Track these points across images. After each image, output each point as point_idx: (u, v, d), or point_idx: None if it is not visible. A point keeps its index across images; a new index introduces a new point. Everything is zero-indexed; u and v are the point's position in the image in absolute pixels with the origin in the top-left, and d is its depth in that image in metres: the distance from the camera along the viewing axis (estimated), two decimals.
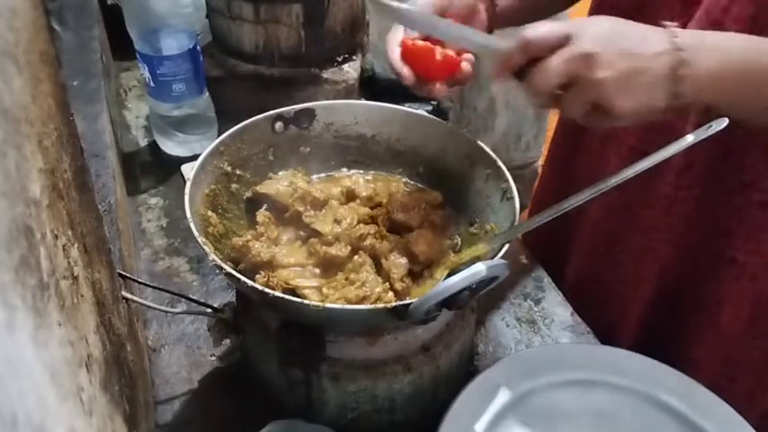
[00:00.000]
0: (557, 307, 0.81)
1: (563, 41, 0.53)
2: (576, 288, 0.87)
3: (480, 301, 0.69)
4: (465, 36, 0.60)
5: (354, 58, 1.11)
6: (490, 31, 0.71)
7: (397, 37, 0.65)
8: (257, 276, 0.60)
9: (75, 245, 0.40)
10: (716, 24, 0.64)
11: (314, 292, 0.60)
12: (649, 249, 0.79)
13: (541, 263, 0.87)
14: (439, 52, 0.63)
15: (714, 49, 0.54)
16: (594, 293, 0.86)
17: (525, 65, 0.55)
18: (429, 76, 0.64)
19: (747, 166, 0.69)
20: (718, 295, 0.76)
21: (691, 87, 0.53)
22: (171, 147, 1.01)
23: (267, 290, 0.53)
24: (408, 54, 0.64)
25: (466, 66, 0.64)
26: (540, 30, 0.54)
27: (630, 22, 0.55)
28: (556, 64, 0.52)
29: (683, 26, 0.67)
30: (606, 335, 0.77)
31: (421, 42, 0.63)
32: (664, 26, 0.54)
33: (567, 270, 0.91)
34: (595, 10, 0.78)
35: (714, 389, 0.62)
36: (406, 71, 0.64)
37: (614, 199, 0.80)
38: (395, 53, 0.64)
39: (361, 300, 0.58)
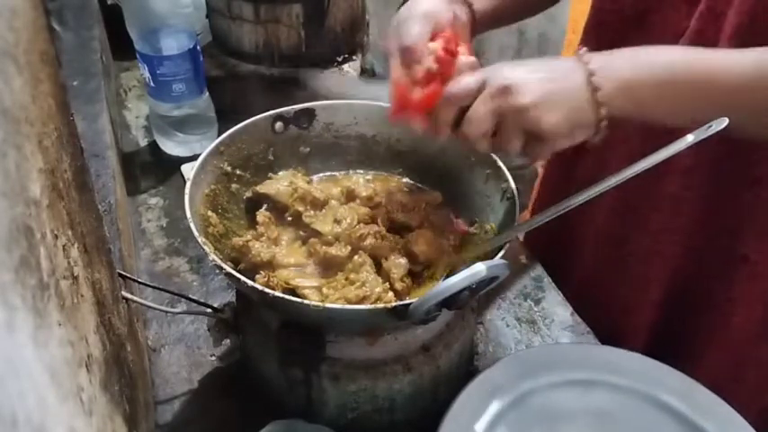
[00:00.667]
0: (557, 307, 0.81)
1: (482, 86, 0.55)
2: (580, 292, 0.86)
3: (480, 301, 0.69)
4: None
5: (354, 58, 1.11)
6: (473, 35, 0.71)
7: (393, 77, 0.64)
8: (257, 276, 0.60)
9: (75, 245, 0.40)
10: (719, 17, 0.64)
11: (314, 292, 0.60)
12: (657, 252, 0.79)
13: (543, 267, 0.86)
14: (417, 91, 0.61)
15: (625, 59, 0.56)
16: (600, 297, 0.86)
17: (457, 119, 0.57)
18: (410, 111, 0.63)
19: (755, 162, 0.69)
20: (730, 295, 0.75)
21: (608, 95, 0.54)
22: (171, 147, 1.01)
23: (267, 290, 0.53)
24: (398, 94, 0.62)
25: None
26: (458, 82, 0.56)
27: (540, 59, 0.59)
28: (479, 109, 0.55)
29: (688, 23, 0.67)
30: (613, 338, 0.76)
31: (401, 84, 0.62)
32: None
33: (571, 274, 0.90)
34: (596, 15, 0.78)
35: (722, 390, 0.62)
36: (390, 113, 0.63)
37: (619, 201, 0.80)
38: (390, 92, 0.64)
39: (361, 300, 0.58)
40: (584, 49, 0.56)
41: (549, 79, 0.54)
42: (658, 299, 0.81)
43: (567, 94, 0.54)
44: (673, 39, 0.69)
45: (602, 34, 0.77)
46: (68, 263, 0.36)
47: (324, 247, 0.63)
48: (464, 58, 0.61)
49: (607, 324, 0.80)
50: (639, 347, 0.82)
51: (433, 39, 0.63)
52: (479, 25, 0.72)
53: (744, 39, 0.62)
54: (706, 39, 0.65)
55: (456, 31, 0.67)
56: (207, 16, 1.10)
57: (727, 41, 0.63)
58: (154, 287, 0.69)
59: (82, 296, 0.39)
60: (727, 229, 0.73)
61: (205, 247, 0.57)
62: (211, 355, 0.72)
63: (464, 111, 0.56)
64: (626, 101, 0.55)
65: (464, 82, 0.56)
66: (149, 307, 0.65)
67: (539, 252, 0.89)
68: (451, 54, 0.61)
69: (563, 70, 0.55)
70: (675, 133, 0.55)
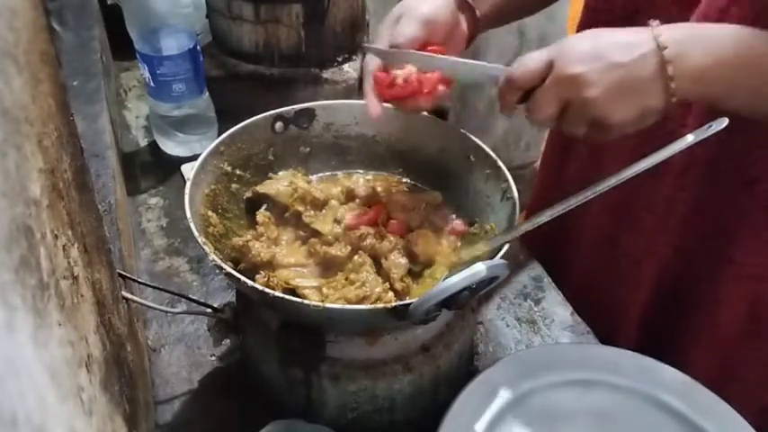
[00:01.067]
0: (557, 307, 0.81)
1: (547, 69, 0.54)
2: (576, 291, 0.87)
3: (480, 301, 0.69)
4: (460, 67, 0.62)
5: (354, 58, 1.11)
6: (471, 38, 0.71)
7: (371, 67, 0.65)
8: (257, 276, 0.60)
9: (75, 245, 0.40)
10: (722, 13, 0.64)
11: (314, 292, 0.60)
12: (649, 253, 0.79)
13: (540, 266, 0.87)
14: (400, 75, 0.62)
15: (699, 41, 0.53)
16: (595, 296, 0.86)
17: (523, 96, 0.57)
18: (401, 99, 0.64)
19: (750, 163, 0.69)
20: (716, 296, 0.76)
21: (682, 83, 0.53)
22: (171, 147, 1.01)
23: (267, 290, 0.53)
24: (378, 84, 0.64)
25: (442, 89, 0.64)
26: (523, 65, 0.55)
27: (610, 30, 0.56)
28: (545, 94, 0.54)
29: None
30: (607, 337, 0.77)
31: (382, 74, 0.63)
32: (647, 26, 0.55)
33: (568, 274, 0.90)
34: (588, 15, 0.78)
35: (712, 390, 0.62)
36: (371, 105, 0.64)
37: (614, 202, 0.80)
38: (368, 83, 0.65)
39: (361, 300, 0.58)
40: (657, 22, 0.54)
41: (619, 66, 0.52)
42: (648, 298, 0.82)
43: (639, 85, 0.52)
44: None
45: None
46: (68, 263, 0.36)
47: (324, 247, 0.63)
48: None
49: (603, 324, 0.80)
50: (631, 347, 0.82)
51: (425, 45, 0.64)
52: (481, 27, 0.72)
53: None
54: None
55: (453, 39, 0.67)
56: (207, 16, 1.10)
57: None
58: (154, 287, 0.69)
59: (82, 296, 0.39)
60: (719, 230, 0.73)
61: (205, 247, 0.57)
62: (211, 355, 0.72)
63: (530, 89, 0.56)
64: (700, 87, 0.53)
65: (529, 64, 0.55)
66: (149, 307, 0.65)
67: (536, 253, 0.89)
68: (427, 82, 0.62)
69: (636, 55, 0.52)
70: (674, 133, 0.55)
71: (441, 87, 0.63)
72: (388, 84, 0.63)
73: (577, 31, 0.81)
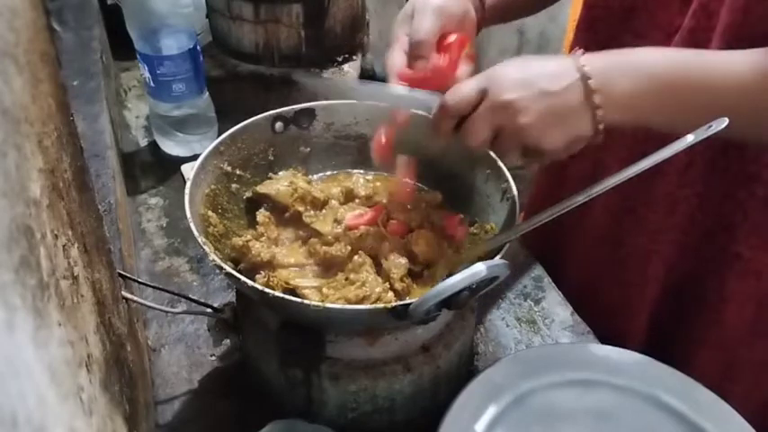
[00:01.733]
0: (557, 307, 0.81)
1: (480, 97, 0.55)
2: (578, 292, 0.86)
3: (480, 301, 0.69)
4: (392, 99, 0.63)
5: (354, 58, 1.11)
6: (479, 29, 0.72)
7: (394, 72, 0.65)
8: (257, 276, 0.60)
9: (75, 245, 0.40)
10: (712, 15, 0.64)
11: (314, 292, 0.60)
12: (654, 251, 0.79)
13: (540, 266, 0.86)
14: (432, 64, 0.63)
15: (623, 69, 0.55)
16: (596, 299, 0.86)
17: (457, 123, 0.58)
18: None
19: (750, 159, 0.69)
20: (723, 293, 0.75)
21: (609, 111, 0.54)
22: (171, 147, 1.01)
23: (267, 290, 0.53)
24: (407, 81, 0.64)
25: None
26: (457, 92, 0.56)
27: (539, 58, 0.58)
28: (478, 121, 0.55)
29: (681, 21, 0.67)
30: (610, 338, 0.77)
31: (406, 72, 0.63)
32: (573, 54, 0.56)
33: (568, 275, 0.90)
34: (587, 12, 0.79)
35: (715, 390, 0.62)
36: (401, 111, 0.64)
37: (615, 202, 0.80)
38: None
39: (361, 300, 0.58)
40: (581, 51, 0.56)
41: (549, 95, 0.54)
42: (654, 297, 0.81)
43: (567, 113, 0.54)
44: (664, 36, 0.69)
45: (593, 30, 0.78)
46: (68, 263, 0.36)
47: (324, 247, 0.63)
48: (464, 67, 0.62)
49: (604, 324, 0.80)
50: (635, 347, 0.82)
51: (442, 37, 0.64)
52: (487, 20, 0.72)
53: (736, 36, 0.62)
54: (699, 36, 0.66)
55: (465, 28, 0.67)
56: (207, 16, 1.11)
57: (720, 38, 0.63)
58: (154, 287, 0.69)
59: (82, 296, 0.39)
60: (722, 226, 0.73)
61: (205, 247, 0.57)
62: (211, 355, 0.72)
63: (463, 116, 0.57)
64: (625, 114, 0.55)
65: (462, 92, 0.56)
66: (149, 307, 0.65)
67: (536, 253, 0.89)
68: (453, 66, 0.62)
69: (562, 83, 0.54)
70: (674, 133, 0.55)
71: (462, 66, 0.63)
72: (419, 79, 0.62)
73: (577, 28, 0.81)
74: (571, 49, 0.81)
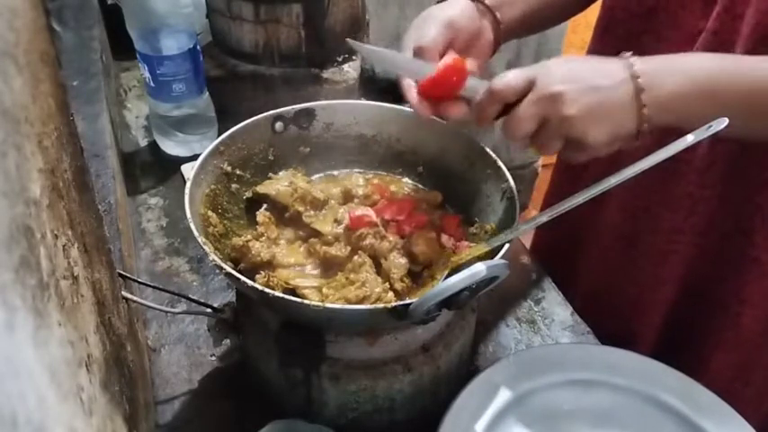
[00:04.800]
0: (557, 307, 0.81)
1: (528, 86, 0.55)
2: (589, 295, 0.86)
3: (480, 301, 0.69)
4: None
5: (354, 58, 1.11)
6: (496, 46, 0.72)
7: (409, 80, 0.64)
8: (257, 276, 0.60)
9: (75, 245, 0.40)
10: (736, 18, 0.64)
11: (314, 292, 0.60)
12: (672, 252, 0.78)
13: (553, 274, 0.86)
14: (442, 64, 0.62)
15: (670, 72, 0.56)
16: (609, 299, 0.85)
17: (501, 111, 0.58)
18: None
19: (766, 165, 0.69)
20: (741, 296, 0.75)
21: (654, 111, 0.55)
22: (171, 147, 1.01)
23: (267, 290, 0.53)
24: (428, 90, 0.63)
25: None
26: (505, 79, 0.56)
27: (588, 58, 0.58)
28: (525, 109, 0.55)
29: (704, 24, 0.67)
30: (621, 340, 0.75)
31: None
32: (621, 56, 0.57)
33: (580, 277, 0.90)
34: (606, 12, 0.78)
35: (728, 392, 0.62)
36: (420, 107, 0.63)
37: (630, 201, 0.79)
38: (411, 90, 0.63)
39: (361, 300, 0.58)
40: (629, 54, 0.56)
41: (597, 89, 0.54)
42: (671, 299, 0.81)
43: (614, 109, 0.55)
44: (686, 38, 0.69)
45: (611, 31, 0.77)
46: (68, 263, 0.36)
47: (324, 247, 0.63)
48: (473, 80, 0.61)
49: (615, 326, 0.79)
50: (648, 349, 0.81)
51: (447, 49, 0.64)
52: (506, 35, 0.72)
53: (763, 39, 0.62)
54: (723, 39, 0.65)
55: (477, 45, 0.67)
56: (207, 16, 1.10)
57: (746, 41, 0.63)
58: (154, 287, 0.69)
59: (82, 296, 0.39)
60: (741, 230, 0.73)
61: (205, 247, 0.57)
62: (211, 355, 0.72)
63: (508, 104, 0.57)
64: (670, 116, 0.56)
65: (511, 79, 0.56)
66: (149, 307, 0.65)
67: (548, 258, 0.89)
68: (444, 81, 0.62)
69: (612, 81, 0.55)
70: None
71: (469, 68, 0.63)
72: (432, 81, 0.62)
73: (595, 29, 0.81)
74: (588, 51, 0.81)
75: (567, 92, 0.54)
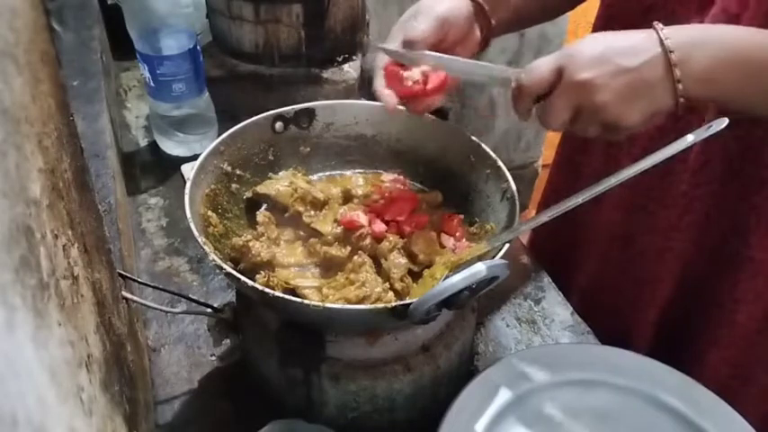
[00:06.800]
0: (557, 307, 0.81)
1: (557, 76, 0.55)
2: (587, 294, 0.86)
3: (480, 301, 0.69)
4: (473, 69, 0.63)
5: (354, 58, 1.11)
6: (485, 44, 0.72)
7: (381, 63, 0.65)
8: (257, 276, 0.60)
9: (75, 245, 0.40)
10: (732, 20, 0.64)
11: (314, 292, 0.60)
12: (668, 249, 0.78)
13: (550, 273, 0.86)
14: (413, 73, 0.63)
15: (707, 45, 0.54)
16: (607, 298, 0.85)
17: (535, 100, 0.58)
18: (412, 96, 0.64)
19: (764, 164, 0.68)
20: (735, 294, 0.75)
21: (689, 85, 0.53)
22: (171, 147, 1.01)
23: (267, 290, 0.53)
24: (389, 78, 0.64)
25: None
26: (533, 74, 0.56)
27: (617, 34, 0.56)
28: (557, 102, 0.55)
29: (701, 21, 0.67)
30: (619, 339, 0.76)
31: (394, 67, 0.64)
32: (654, 27, 0.55)
33: (578, 276, 0.90)
34: (606, 9, 0.78)
35: (725, 391, 0.62)
36: (387, 97, 0.64)
37: (628, 200, 0.79)
38: (379, 79, 0.65)
39: (361, 300, 0.58)
40: (661, 25, 0.55)
41: (627, 71, 0.53)
42: (667, 296, 0.81)
43: (646, 88, 0.54)
44: None
45: (610, 29, 0.77)
46: (68, 263, 0.36)
47: (324, 247, 0.63)
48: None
49: (614, 325, 0.79)
50: (645, 347, 0.81)
51: (437, 44, 0.64)
52: (495, 32, 0.72)
53: None
54: None
55: (465, 42, 0.67)
56: (207, 16, 1.10)
57: None
58: (154, 287, 0.69)
59: (82, 296, 0.39)
60: (736, 229, 0.73)
61: (205, 247, 0.57)
62: (211, 355, 0.72)
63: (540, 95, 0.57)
64: (704, 88, 0.54)
65: (539, 72, 0.56)
66: (149, 307, 0.65)
67: (545, 256, 0.89)
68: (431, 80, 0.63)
69: (642, 59, 0.53)
70: (688, 131, 0.55)
71: (448, 84, 0.63)
72: (402, 77, 0.63)
73: (594, 26, 0.81)
74: None
75: (596, 77, 0.53)
